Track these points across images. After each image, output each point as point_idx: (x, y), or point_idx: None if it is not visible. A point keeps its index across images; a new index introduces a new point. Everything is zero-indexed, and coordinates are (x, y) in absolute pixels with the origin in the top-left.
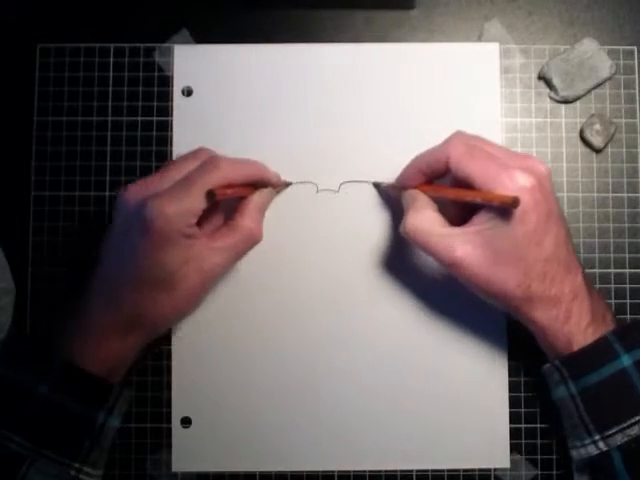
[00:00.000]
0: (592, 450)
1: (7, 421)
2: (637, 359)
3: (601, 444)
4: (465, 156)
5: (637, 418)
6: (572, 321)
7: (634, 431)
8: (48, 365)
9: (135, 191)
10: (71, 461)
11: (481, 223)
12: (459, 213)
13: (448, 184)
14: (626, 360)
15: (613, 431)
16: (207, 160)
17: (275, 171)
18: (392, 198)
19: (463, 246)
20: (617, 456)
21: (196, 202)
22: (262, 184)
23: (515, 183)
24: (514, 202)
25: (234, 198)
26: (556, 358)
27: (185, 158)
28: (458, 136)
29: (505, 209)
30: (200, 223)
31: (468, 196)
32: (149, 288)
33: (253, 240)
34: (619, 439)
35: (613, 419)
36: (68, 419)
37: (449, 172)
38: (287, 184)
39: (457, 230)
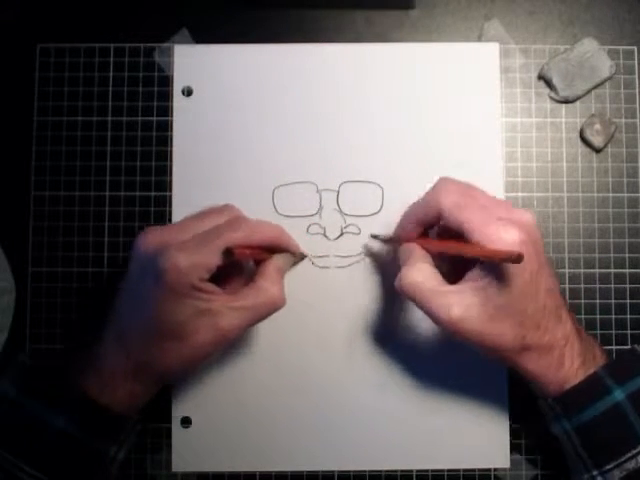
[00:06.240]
0: None
1: (19, 450)
2: (629, 392)
3: (599, 479)
4: (457, 206)
5: (634, 452)
6: (565, 366)
7: (631, 465)
8: (65, 398)
9: (153, 238)
10: None
11: (476, 280)
12: (452, 267)
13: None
14: (619, 394)
15: (610, 466)
16: (231, 219)
17: (294, 240)
18: (386, 251)
19: (460, 305)
20: None
21: (211, 258)
22: (280, 249)
23: (510, 237)
24: (518, 258)
25: (254, 261)
26: (548, 396)
27: (209, 212)
28: (448, 184)
29: (499, 265)
30: (222, 282)
31: (469, 251)
32: (158, 337)
33: (274, 303)
34: (617, 474)
35: (610, 454)
36: (81, 452)
37: (440, 221)
38: (303, 256)
39: (453, 288)
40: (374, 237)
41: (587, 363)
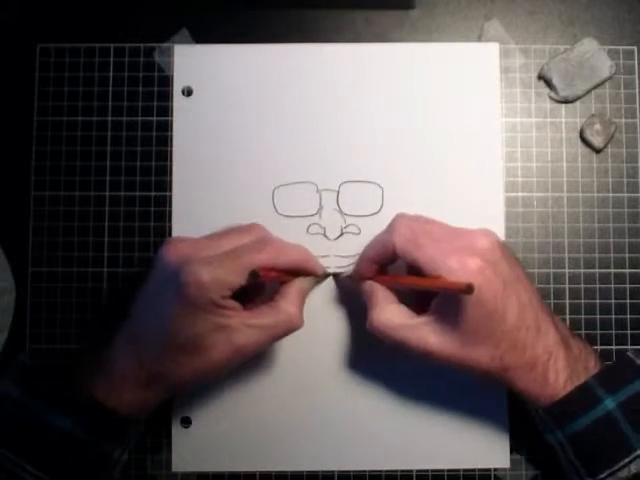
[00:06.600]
0: None
1: (21, 450)
2: (620, 401)
3: None
4: (410, 243)
5: (626, 460)
6: (550, 381)
7: (624, 473)
8: (70, 399)
9: (178, 249)
10: None
11: (442, 309)
12: (420, 295)
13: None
14: (610, 403)
15: (604, 475)
16: (258, 239)
17: (320, 262)
18: (351, 289)
19: (432, 336)
20: None
21: (235, 277)
22: (305, 272)
23: (463, 267)
24: (469, 289)
25: (277, 281)
26: (539, 408)
27: (236, 230)
28: (400, 221)
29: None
30: (243, 300)
31: (423, 284)
32: (174, 349)
33: (292, 324)
34: None
35: (603, 463)
36: (85, 454)
37: (398, 258)
38: (327, 275)
39: (422, 320)
40: (335, 276)
41: (576, 375)
